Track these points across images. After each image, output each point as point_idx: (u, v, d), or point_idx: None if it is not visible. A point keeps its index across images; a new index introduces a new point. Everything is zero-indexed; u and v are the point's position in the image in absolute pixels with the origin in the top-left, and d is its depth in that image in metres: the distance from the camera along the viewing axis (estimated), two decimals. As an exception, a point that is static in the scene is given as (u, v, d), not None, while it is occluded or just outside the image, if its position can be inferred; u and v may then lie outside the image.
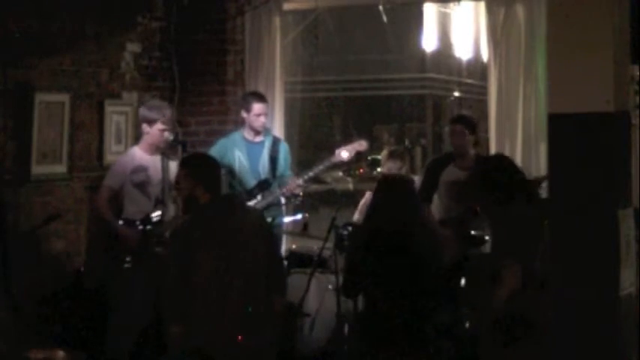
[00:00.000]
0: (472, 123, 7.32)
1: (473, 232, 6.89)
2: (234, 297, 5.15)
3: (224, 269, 5.16)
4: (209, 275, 5.15)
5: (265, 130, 7.48)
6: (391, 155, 8.04)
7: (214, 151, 7.45)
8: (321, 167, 7.35)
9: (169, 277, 5.28)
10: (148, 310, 6.64)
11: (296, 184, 7.23)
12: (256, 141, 7.39)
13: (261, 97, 7.45)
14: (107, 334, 6.62)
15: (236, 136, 7.50)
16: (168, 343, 5.33)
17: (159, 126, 6.81)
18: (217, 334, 5.14)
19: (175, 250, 5.31)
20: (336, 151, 7.31)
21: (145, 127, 6.84)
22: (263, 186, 7.26)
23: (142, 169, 6.76)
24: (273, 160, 7.33)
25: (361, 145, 7.36)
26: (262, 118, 7.35)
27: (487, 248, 6.78)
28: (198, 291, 5.16)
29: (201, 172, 5.47)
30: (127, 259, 6.57)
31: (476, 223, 6.75)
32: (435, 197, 7.40)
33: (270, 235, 5.63)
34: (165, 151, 6.82)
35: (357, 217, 8.24)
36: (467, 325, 7.05)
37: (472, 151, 7.17)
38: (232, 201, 5.64)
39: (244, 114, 7.42)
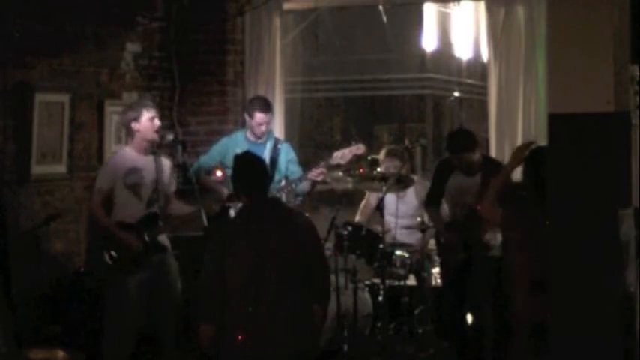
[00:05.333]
0: (476, 139, 7.22)
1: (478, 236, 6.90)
2: (266, 301, 5.02)
3: (257, 271, 5.04)
4: (241, 276, 5.07)
5: (268, 132, 7.48)
6: (389, 154, 8.05)
7: (216, 150, 7.46)
8: (318, 170, 7.33)
9: (204, 275, 5.20)
10: (142, 315, 6.63)
11: (320, 170, 7.22)
12: (258, 142, 7.39)
13: (264, 107, 7.36)
14: (104, 338, 6.59)
15: (238, 136, 7.50)
16: (198, 341, 5.24)
17: (146, 116, 6.66)
18: (248, 336, 5.04)
19: (212, 248, 5.22)
20: (334, 154, 7.30)
21: (134, 125, 6.67)
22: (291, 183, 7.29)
23: (135, 170, 6.66)
24: (273, 161, 7.34)
25: (359, 148, 7.34)
26: (263, 128, 7.33)
27: (494, 252, 6.80)
28: (231, 291, 5.06)
29: (236, 173, 5.38)
30: (122, 261, 6.51)
31: (481, 227, 6.75)
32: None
33: (318, 243, 5.42)
34: (156, 150, 6.75)
35: (357, 219, 8.24)
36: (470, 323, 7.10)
37: (477, 157, 7.10)
38: (275, 205, 5.47)
39: (247, 118, 7.42)
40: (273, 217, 5.22)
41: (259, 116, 7.31)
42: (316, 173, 7.26)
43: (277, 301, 5.04)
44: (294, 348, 5.07)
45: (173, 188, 6.82)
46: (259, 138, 7.39)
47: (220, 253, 5.11)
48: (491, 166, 6.86)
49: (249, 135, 7.44)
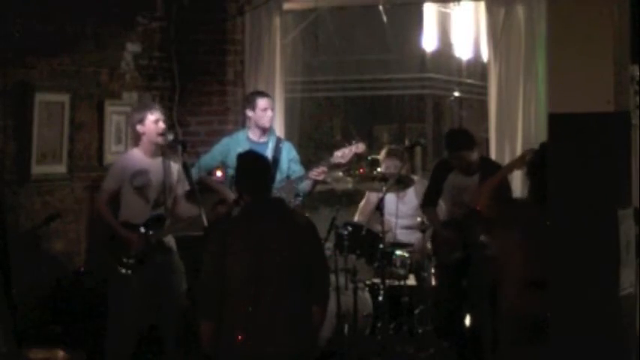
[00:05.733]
0: (474, 138, 7.27)
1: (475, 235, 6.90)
2: (265, 300, 5.01)
3: (257, 271, 5.03)
4: (242, 276, 5.06)
5: (270, 131, 7.48)
6: (389, 154, 8.05)
7: (218, 150, 7.46)
8: (319, 169, 7.33)
9: (204, 274, 5.20)
10: (146, 314, 6.64)
11: (321, 169, 7.23)
12: (260, 141, 7.39)
13: (264, 93, 7.53)
14: (106, 338, 6.60)
15: (240, 135, 7.50)
16: (200, 340, 5.24)
17: (150, 118, 6.72)
18: (248, 336, 5.03)
19: (212, 247, 5.21)
20: (335, 153, 7.31)
21: (139, 128, 6.75)
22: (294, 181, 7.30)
23: (143, 172, 6.69)
24: (275, 160, 7.33)
25: (358, 147, 7.33)
26: (269, 113, 7.38)
27: (492, 251, 6.79)
28: (231, 290, 5.05)
29: (242, 172, 5.37)
30: (126, 261, 6.53)
31: (479, 226, 6.75)
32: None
33: (318, 244, 5.42)
34: (165, 151, 6.78)
35: (357, 218, 8.24)
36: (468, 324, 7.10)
37: (475, 155, 7.12)
38: (277, 205, 5.47)
39: (250, 113, 7.43)
40: (274, 217, 5.21)
41: (262, 101, 7.36)
42: (317, 172, 7.26)
43: (277, 301, 5.04)
44: (294, 348, 5.07)
45: (181, 190, 6.83)
46: (264, 132, 7.39)
47: (221, 251, 5.11)
48: (490, 167, 6.87)
49: (250, 134, 7.44)
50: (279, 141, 7.49)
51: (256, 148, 7.21)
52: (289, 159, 7.42)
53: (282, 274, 5.06)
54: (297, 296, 5.10)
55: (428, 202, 7.34)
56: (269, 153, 7.31)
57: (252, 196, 5.25)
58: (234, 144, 7.36)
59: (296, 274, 5.10)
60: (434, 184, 7.31)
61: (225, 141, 7.53)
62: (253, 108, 7.38)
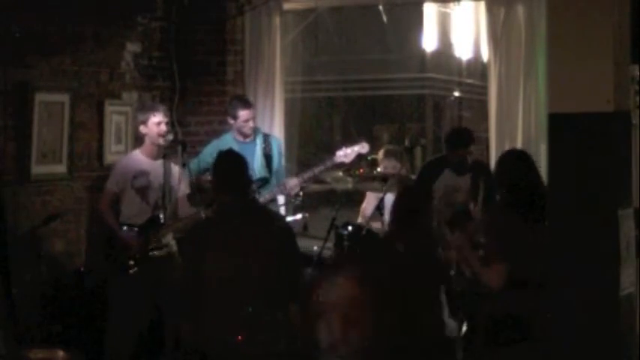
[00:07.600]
0: (474, 136, 7.33)
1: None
2: (244, 300, 5.04)
3: (236, 271, 5.05)
4: (220, 276, 5.07)
5: (255, 129, 7.48)
6: (387, 154, 8.06)
7: (207, 152, 7.45)
8: (321, 168, 7.33)
9: (183, 273, 5.20)
10: (146, 313, 6.65)
11: (294, 183, 7.23)
12: (247, 140, 7.39)
13: (246, 103, 7.46)
14: (106, 337, 6.61)
15: (227, 137, 7.50)
16: (181, 340, 5.26)
17: (153, 120, 6.78)
18: (225, 336, 5.05)
19: (191, 247, 5.22)
20: (337, 153, 7.29)
21: (142, 128, 6.82)
22: (260, 184, 7.26)
23: (144, 173, 6.74)
24: (268, 157, 7.34)
25: (363, 147, 7.33)
26: (250, 124, 7.36)
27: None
28: (209, 290, 5.07)
29: (223, 171, 5.39)
30: (125, 262, 6.54)
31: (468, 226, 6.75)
32: None
33: (291, 242, 5.44)
34: (167, 153, 6.80)
35: (360, 220, 8.24)
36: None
37: (471, 154, 7.18)
38: (254, 205, 5.48)
39: (231, 120, 7.43)
40: (250, 217, 5.23)
41: (243, 113, 7.34)
42: (290, 186, 7.22)
43: (256, 300, 5.04)
44: (276, 347, 5.07)
45: (183, 192, 6.85)
46: (247, 137, 7.40)
47: (196, 252, 5.14)
48: (481, 169, 6.94)
49: (237, 136, 7.43)
50: (266, 137, 7.49)
51: (245, 148, 7.21)
52: (279, 152, 7.45)
53: (260, 273, 5.07)
54: (275, 295, 5.10)
55: None
56: (258, 150, 7.33)
57: (228, 196, 5.26)
58: (223, 146, 7.33)
59: (273, 272, 5.11)
60: (422, 183, 7.32)
61: (213, 143, 7.52)
62: (235, 117, 7.37)
